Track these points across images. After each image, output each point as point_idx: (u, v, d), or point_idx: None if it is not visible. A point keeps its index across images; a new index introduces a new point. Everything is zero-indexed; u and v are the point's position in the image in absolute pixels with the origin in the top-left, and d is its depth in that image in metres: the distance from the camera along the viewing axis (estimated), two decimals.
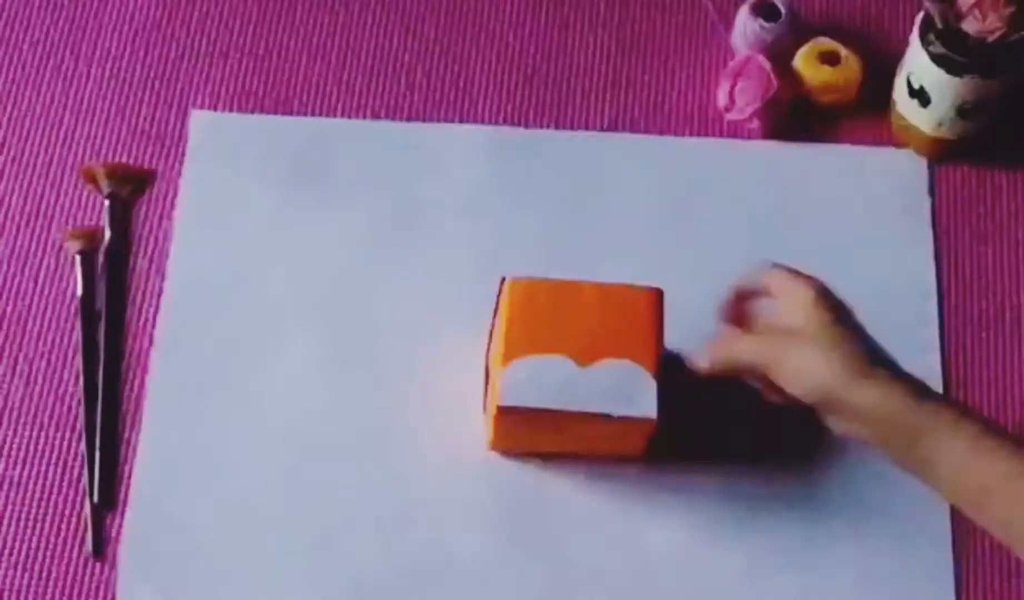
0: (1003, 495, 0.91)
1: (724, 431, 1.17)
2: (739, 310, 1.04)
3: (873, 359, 0.96)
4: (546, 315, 1.06)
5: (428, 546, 1.12)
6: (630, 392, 1.05)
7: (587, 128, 1.30)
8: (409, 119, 1.29)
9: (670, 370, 1.07)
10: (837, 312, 0.98)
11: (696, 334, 1.06)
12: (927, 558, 1.13)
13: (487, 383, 1.12)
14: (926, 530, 1.14)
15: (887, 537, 1.14)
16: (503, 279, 1.09)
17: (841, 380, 0.95)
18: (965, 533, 1.14)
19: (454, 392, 1.16)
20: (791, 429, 1.13)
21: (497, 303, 1.10)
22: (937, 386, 1.18)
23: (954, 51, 1.19)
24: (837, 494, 1.15)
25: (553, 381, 1.05)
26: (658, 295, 1.08)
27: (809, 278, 0.99)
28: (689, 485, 1.15)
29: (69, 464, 1.14)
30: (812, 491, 1.16)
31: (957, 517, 1.13)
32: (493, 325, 1.10)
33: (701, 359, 1.02)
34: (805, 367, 0.96)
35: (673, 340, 1.07)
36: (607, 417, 1.05)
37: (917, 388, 0.95)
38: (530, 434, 1.11)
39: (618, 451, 1.14)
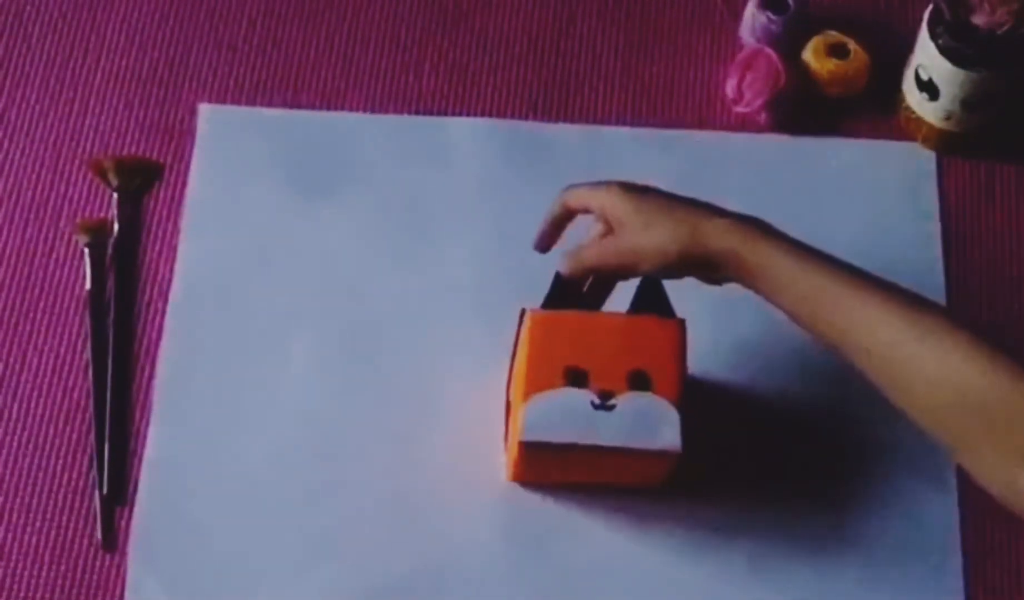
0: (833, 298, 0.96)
1: (744, 456, 1.16)
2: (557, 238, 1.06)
3: (703, 212, 0.99)
4: (567, 348, 1.03)
5: (438, 556, 1.11)
6: (653, 425, 1.03)
7: (595, 121, 1.30)
8: (417, 113, 1.29)
9: (692, 396, 1.05)
10: (647, 192, 1.01)
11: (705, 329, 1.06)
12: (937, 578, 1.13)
13: (508, 415, 1.11)
14: (938, 544, 1.13)
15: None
16: (523, 311, 1.06)
17: (686, 235, 0.98)
18: (977, 539, 1.13)
19: (470, 407, 1.15)
20: (810, 452, 1.15)
21: (517, 335, 1.07)
22: None
23: (963, 44, 1.19)
24: (857, 524, 1.14)
25: (575, 415, 1.02)
26: (680, 326, 1.05)
27: (607, 182, 1.02)
28: (710, 512, 1.13)
29: (79, 457, 1.14)
30: (830, 518, 1.14)
31: (967, 523, 1.13)
32: (514, 357, 1.09)
33: (562, 266, 1.03)
34: (648, 241, 0.99)
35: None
36: (630, 451, 1.03)
37: (754, 224, 0.99)
38: (551, 467, 1.09)
39: (639, 481, 1.12)
